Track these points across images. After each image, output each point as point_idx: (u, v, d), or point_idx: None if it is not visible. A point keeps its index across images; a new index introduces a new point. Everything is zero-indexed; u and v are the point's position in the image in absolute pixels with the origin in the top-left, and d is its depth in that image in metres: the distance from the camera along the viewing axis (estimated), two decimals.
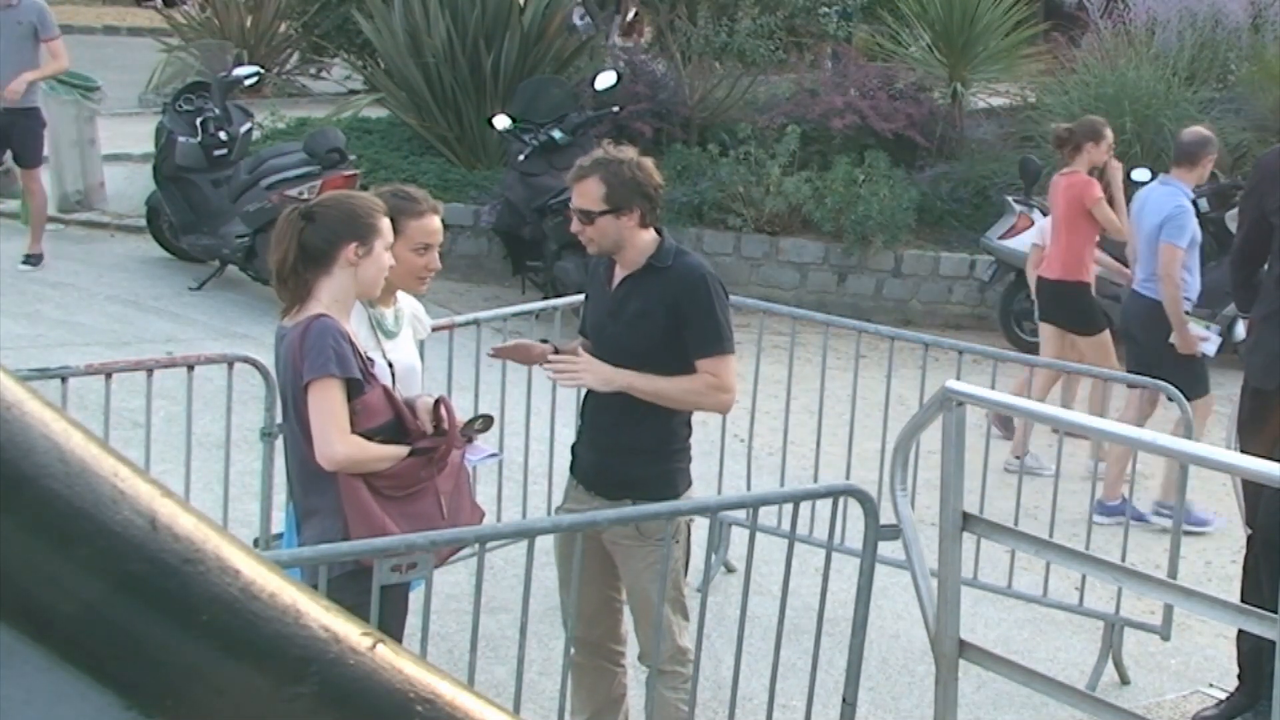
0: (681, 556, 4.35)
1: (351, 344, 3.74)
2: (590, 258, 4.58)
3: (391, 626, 3.72)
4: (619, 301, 4.26)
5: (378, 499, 3.73)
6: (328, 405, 3.65)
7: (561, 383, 4.36)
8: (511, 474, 5.97)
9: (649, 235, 4.23)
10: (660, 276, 4.19)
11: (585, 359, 4.22)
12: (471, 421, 4.06)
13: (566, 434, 4.68)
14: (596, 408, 4.37)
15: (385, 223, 3.84)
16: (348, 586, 3.53)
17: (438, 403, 3.93)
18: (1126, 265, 7.94)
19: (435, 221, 4.23)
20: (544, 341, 4.59)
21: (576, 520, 4.12)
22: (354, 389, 3.69)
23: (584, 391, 4.49)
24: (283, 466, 5.00)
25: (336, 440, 3.65)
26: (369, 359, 3.83)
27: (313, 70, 16.72)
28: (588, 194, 4.17)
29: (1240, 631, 4.82)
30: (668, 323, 4.17)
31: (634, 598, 4.34)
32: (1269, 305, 5.03)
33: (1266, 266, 5.14)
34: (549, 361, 4.35)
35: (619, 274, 4.28)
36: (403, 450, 3.78)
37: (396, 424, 3.80)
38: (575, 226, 4.26)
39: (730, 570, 6.23)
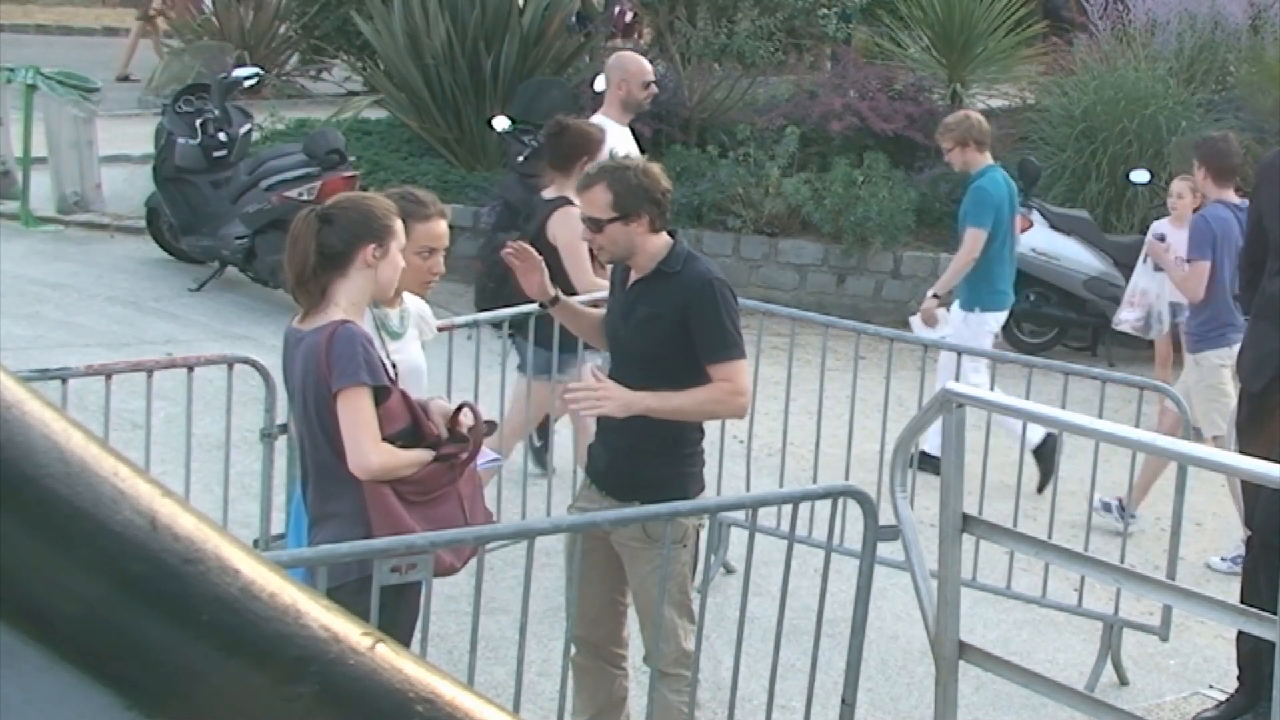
0: (690, 560, 4.34)
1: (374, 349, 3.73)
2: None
3: (403, 629, 3.71)
4: (630, 305, 4.26)
5: (402, 504, 3.72)
6: (360, 414, 3.63)
7: (583, 412, 4.28)
8: (511, 474, 5.97)
9: (660, 240, 4.22)
10: (669, 281, 4.18)
11: (605, 386, 4.14)
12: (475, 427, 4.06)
13: (566, 434, 4.68)
14: None
15: (399, 224, 3.83)
16: (362, 593, 3.49)
17: (460, 407, 3.91)
18: None
19: (442, 225, 4.21)
20: (554, 301, 4.53)
21: (577, 521, 4.11)
22: (379, 395, 3.68)
23: None
24: (282, 468, 5.02)
25: (370, 449, 3.63)
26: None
27: (312, 71, 16.70)
28: (595, 202, 4.15)
29: (1240, 632, 4.82)
30: (676, 327, 4.15)
31: (640, 600, 4.33)
32: (1266, 306, 5.04)
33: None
34: (567, 390, 4.33)
35: (632, 277, 4.29)
36: (428, 455, 3.77)
37: (413, 428, 3.79)
38: (585, 235, 4.25)
39: (730, 571, 6.23)
